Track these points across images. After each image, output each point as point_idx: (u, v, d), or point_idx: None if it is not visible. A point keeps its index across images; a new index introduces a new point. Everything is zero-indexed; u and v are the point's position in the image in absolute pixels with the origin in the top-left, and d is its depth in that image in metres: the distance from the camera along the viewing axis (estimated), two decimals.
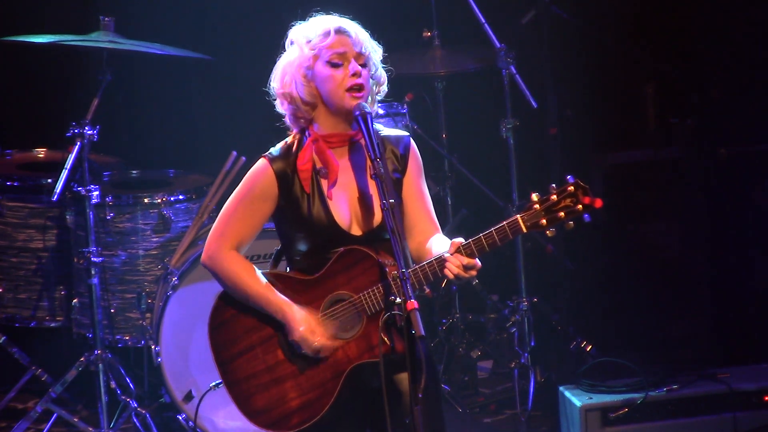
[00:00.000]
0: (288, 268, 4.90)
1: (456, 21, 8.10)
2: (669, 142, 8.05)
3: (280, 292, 4.78)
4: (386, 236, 4.74)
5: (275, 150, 4.84)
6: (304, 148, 4.79)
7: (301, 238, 4.80)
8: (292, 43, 4.83)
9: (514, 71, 7.46)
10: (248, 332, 4.81)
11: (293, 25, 4.87)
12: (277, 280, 4.82)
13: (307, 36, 4.78)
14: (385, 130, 4.89)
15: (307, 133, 4.82)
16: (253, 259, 6.79)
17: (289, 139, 4.86)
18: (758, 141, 7.92)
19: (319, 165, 4.81)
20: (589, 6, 8.30)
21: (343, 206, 4.80)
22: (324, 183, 4.80)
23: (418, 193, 4.88)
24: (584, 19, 8.25)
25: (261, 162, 4.82)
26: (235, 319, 4.82)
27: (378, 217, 4.77)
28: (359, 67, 4.74)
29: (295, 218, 4.79)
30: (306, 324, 4.71)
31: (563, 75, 8.32)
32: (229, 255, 4.81)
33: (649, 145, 8.12)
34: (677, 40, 8.41)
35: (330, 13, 4.84)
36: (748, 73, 8.13)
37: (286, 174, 4.79)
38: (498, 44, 7.47)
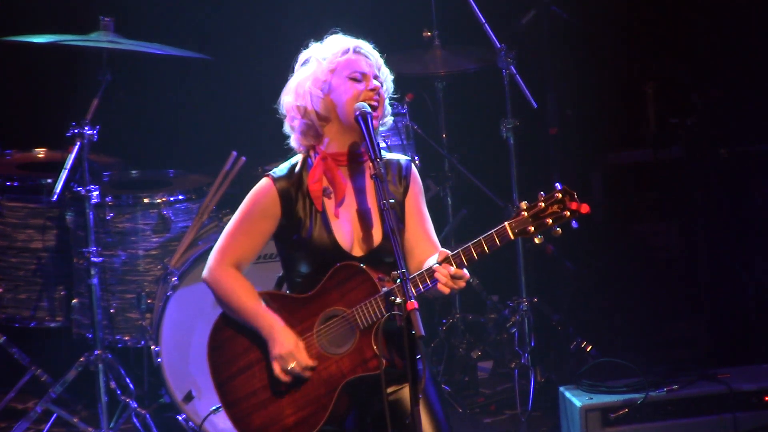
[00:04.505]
0: (288, 292, 4.90)
1: (456, 21, 8.10)
2: (669, 142, 8.06)
3: (275, 311, 4.79)
4: (387, 260, 4.77)
5: (279, 170, 4.85)
6: (315, 166, 4.79)
7: (302, 258, 4.80)
8: (306, 61, 4.83)
9: (514, 71, 7.46)
10: (247, 351, 4.83)
11: (307, 45, 4.86)
12: (272, 299, 4.83)
13: (324, 53, 4.79)
14: (388, 155, 4.89)
15: (313, 154, 4.82)
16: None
17: (292, 160, 4.87)
18: (758, 141, 7.92)
19: (324, 184, 4.81)
20: (589, 6, 8.31)
21: (345, 227, 4.81)
22: (328, 202, 4.81)
23: (418, 215, 4.89)
24: (584, 19, 8.26)
25: (264, 181, 4.82)
26: (234, 339, 4.84)
27: (378, 238, 4.79)
28: (378, 84, 4.76)
29: (297, 237, 4.79)
30: (286, 347, 4.72)
31: (563, 75, 8.33)
32: (228, 271, 4.82)
33: (649, 145, 8.13)
34: (677, 40, 8.42)
35: (346, 35, 4.85)
36: (748, 73, 8.13)
37: (289, 193, 4.80)
38: (498, 44, 7.47)
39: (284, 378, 4.74)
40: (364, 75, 4.76)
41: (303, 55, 4.86)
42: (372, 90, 4.75)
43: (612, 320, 7.92)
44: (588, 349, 7.61)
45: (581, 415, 6.67)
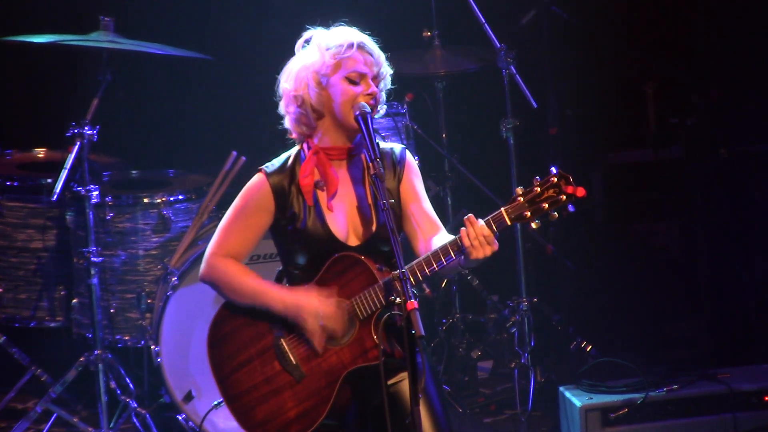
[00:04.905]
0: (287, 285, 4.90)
1: (456, 21, 8.10)
2: (669, 142, 8.06)
3: None
4: (383, 248, 4.77)
5: (272, 164, 4.86)
6: (306, 161, 4.80)
7: (298, 251, 4.80)
8: (308, 42, 4.82)
9: (514, 71, 7.45)
10: (246, 345, 4.82)
11: (309, 29, 4.86)
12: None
13: (328, 43, 4.77)
14: (381, 144, 4.89)
15: (306, 146, 4.83)
16: (253, 259, 6.79)
17: (286, 153, 4.87)
18: (758, 141, 7.93)
19: (316, 178, 4.81)
20: (589, 6, 8.31)
21: (340, 218, 4.81)
22: (321, 195, 4.81)
23: (416, 196, 4.89)
24: (584, 19, 8.26)
25: (257, 176, 4.84)
26: (234, 334, 4.83)
27: (374, 227, 4.79)
28: (375, 88, 4.75)
29: (292, 231, 4.80)
30: (309, 303, 4.69)
31: (563, 75, 8.33)
32: (225, 259, 4.82)
33: (649, 145, 8.13)
34: (677, 40, 8.42)
35: (352, 27, 4.84)
36: (748, 73, 8.13)
37: (282, 187, 4.81)
38: (498, 44, 7.47)
39: (318, 340, 4.69)
40: (362, 76, 4.76)
41: (306, 35, 4.84)
42: (368, 95, 4.75)
43: (612, 320, 7.92)
44: (588, 349, 7.61)
45: (581, 415, 6.67)
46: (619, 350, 7.40)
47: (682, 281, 7.96)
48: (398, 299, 4.50)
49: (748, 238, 7.86)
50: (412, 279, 4.59)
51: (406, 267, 4.53)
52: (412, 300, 4.38)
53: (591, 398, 6.72)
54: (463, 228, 4.59)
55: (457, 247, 4.59)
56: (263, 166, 4.86)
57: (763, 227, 7.83)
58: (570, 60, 8.37)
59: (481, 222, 4.59)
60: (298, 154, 4.85)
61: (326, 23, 4.89)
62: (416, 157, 7.63)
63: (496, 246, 4.59)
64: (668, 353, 7.60)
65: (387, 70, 4.82)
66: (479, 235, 4.56)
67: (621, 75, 8.47)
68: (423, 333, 4.30)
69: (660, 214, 8.10)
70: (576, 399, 6.73)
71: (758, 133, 7.94)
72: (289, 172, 4.82)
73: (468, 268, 4.71)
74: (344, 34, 4.79)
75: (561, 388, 6.89)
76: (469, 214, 4.61)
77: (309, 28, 4.86)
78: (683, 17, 8.40)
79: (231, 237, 4.82)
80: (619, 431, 6.69)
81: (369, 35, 4.83)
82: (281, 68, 4.89)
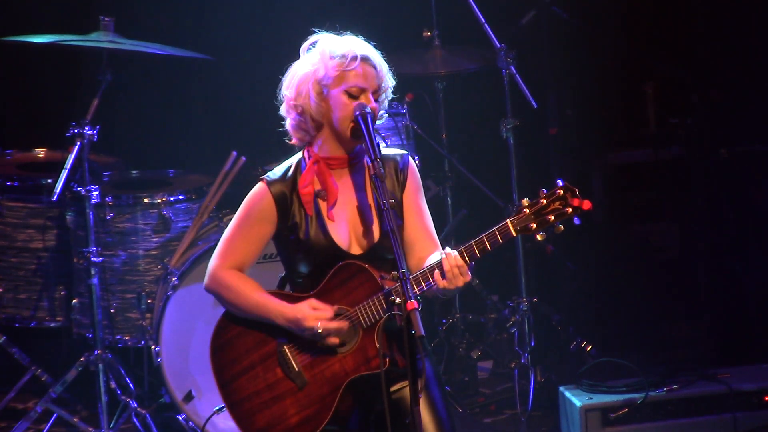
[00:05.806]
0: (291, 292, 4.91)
1: (456, 21, 8.10)
2: (669, 142, 8.06)
3: None
4: (387, 256, 4.77)
5: (273, 173, 4.86)
6: (306, 171, 4.80)
7: (301, 260, 4.81)
8: (310, 50, 4.81)
9: (514, 71, 7.45)
10: (249, 351, 4.82)
11: (314, 32, 4.85)
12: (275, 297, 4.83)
13: (332, 52, 4.75)
14: (385, 150, 4.89)
15: (307, 155, 4.83)
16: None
17: (288, 162, 4.87)
18: (758, 141, 7.93)
19: (317, 187, 4.81)
20: (589, 6, 8.31)
21: (342, 226, 4.81)
22: (323, 204, 4.81)
23: (417, 210, 4.88)
24: (584, 19, 8.26)
25: (259, 185, 4.83)
26: (236, 340, 4.84)
27: (377, 235, 4.79)
28: (375, 102, 4.74)
29: (295, 240, 4.80)
30: (305, 311, 4.71)
31: (563, 75, 8.33)
32: (230, 272, 4.82)
33: (649, 145, 8.13)
34: (677, 40, 8.42)
35: (357, 36, 4.82)
36: (748, 74, 8.14)
37: (284, 197, 4.80)
38: (498, 44, 7.47)
39: (331, 341, 4.71)
40: (362, 91, 4.74)
41: (312, 38, 4.83)
42: None
43: (612, 320, 7.92)
44: (588, 349, 7.62)
45: (581, 415, 6.67)
46: (619, 350, 7.41)
47: (682, 281, 7.96)
48: (398, 299, 4.51)
49: (748, 238, 7.86)
50: (416, 288, 4.60)
51: (409, 276, 4.53)
52: (412, 300, 4.38)
53: (591, 398, 6.72)
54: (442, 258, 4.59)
55: (431, 274, 4.61)
56: (265, 176, 4.86)
57: (763, 227, 7.83)
58: (570, 60, 8.37)
59: (454, 252, 4.58)
60: (299, 163, 4.85)
61: (325, 23, 4.88)
62: (416, 158, 7.63)
63: (468, 277, 4.60)
64: (668, 353, 7.60)
65: (389, 83, 4.80)
66: (453, 267, 4.57)
67: (621, 75, 8.47)
68: (423, 333, 4.31)
69: (660, 214, 8.10)
70: (576, 399, 6.73)
71: (758, 133, 7.94)
72: (290, 181, 4.82)
73: (446, 297, 4.71)
74: (349, 45, 4.75)
75: (561, 388, 6.89)
76: (446, 248, 4.61)
77: (316, 31, 4.84)
78: (683, 17, 8.40)
79: (234, 248, 4.83)
80: (619, 431, 6.69)
81: (366, 40, 4.81)
82: (281, 68, 4.88)
